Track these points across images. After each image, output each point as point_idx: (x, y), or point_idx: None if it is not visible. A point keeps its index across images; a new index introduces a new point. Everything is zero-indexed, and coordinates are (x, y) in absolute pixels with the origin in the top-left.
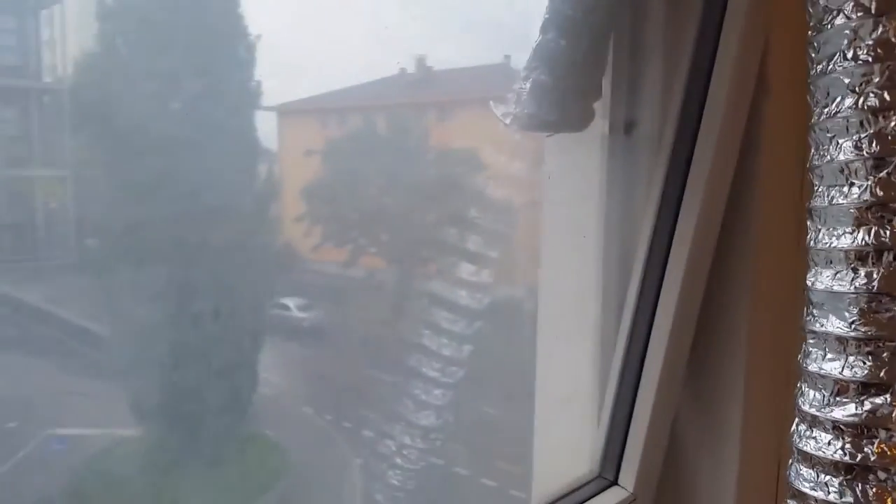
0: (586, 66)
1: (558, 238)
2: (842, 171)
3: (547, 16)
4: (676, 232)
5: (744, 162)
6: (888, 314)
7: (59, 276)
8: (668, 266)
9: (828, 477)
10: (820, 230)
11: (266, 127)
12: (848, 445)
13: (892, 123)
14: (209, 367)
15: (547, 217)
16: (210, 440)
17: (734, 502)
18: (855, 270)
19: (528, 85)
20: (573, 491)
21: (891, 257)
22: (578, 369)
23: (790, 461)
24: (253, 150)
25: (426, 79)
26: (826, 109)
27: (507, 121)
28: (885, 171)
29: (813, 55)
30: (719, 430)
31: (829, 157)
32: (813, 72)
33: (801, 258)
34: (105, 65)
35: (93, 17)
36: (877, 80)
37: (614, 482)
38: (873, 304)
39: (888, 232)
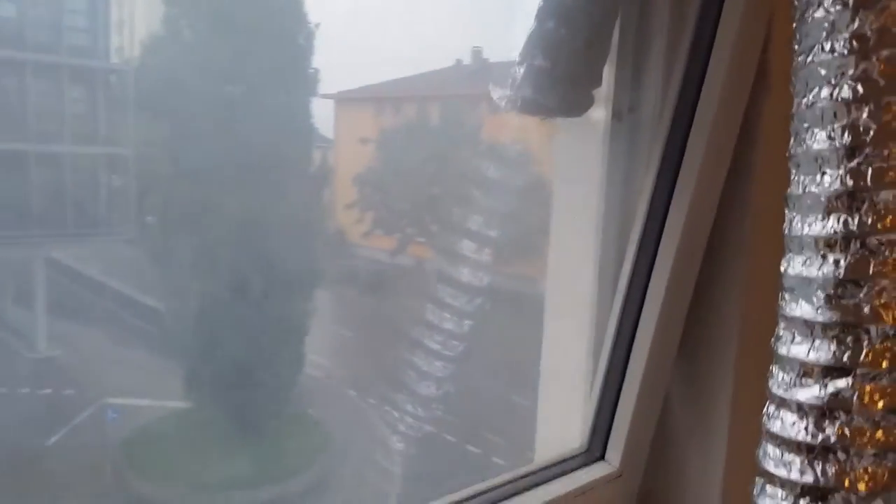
0: (587, 54)
1: (564, 220)
2: (816, 159)
3: (542, 3)
4: (668, 218)
5: (741, 151)
6: (853, 300)
7: (118, 251)
8: (659, 251)
9: (791, 456)
10: (794, 217)
11: (323, 114)
12: (811, 426)
13: (864, 115)
14: (259, 346)
15: (555, 200)
16: (256, 416)
17: (721, 483)
18: (824, 257)
19: (522, 69)
20: (559, 463)
21: (858, 245)
22: (578, 346)
23: (760, 441)
24: (309, 136)
25: (482, 70)
26: (804, 100)
27: (503, 104)
28: (856, 161)
29: (796, 47)
30: (709, 413)
31: (804, 146)
32: (795, 63)
33: None
34: (170, 48)
35: (160, 1)
36: (851, 72)
37: (601, 458)
38: (839, 291)
39: (856, 220)
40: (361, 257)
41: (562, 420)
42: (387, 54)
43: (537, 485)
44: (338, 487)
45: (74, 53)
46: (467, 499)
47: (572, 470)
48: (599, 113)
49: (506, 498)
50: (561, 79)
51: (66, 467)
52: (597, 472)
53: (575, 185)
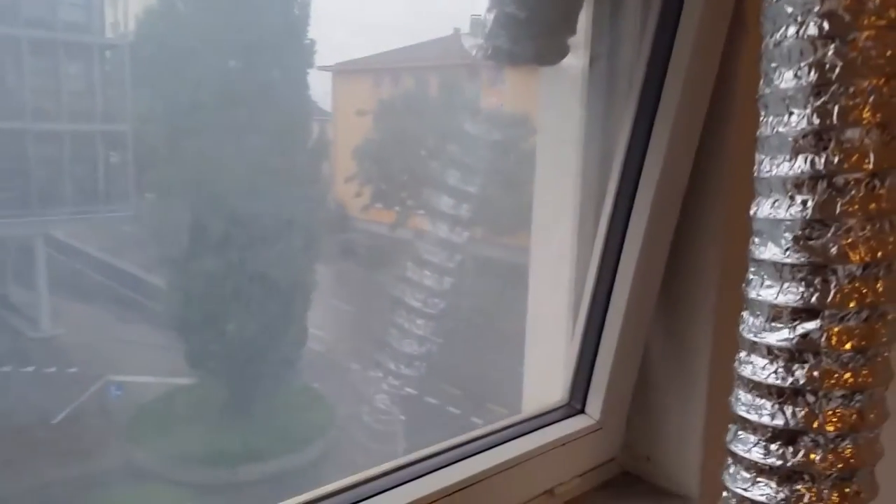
0: (560, 2)
1: (546, 175)
2: (783, 99)
3: None
4: (644, 167)
5: (718, 95)
6: (820, 240)
7: (118, 228)
8: (636, 200)
9: (762, 400)
10: (763, 160)
11: (321, 86)
12: (780, 369)
13: (830, 52)
14: (261, 321)
15: (538, 155)
16: (260, 391)
17: (702, 432)
18: (792, 198)
19: (492, 16)
20: (538, 416)
21: (825, 184)
22: (559, 301)
23: (733, 387)
24: (307, 109)
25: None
26: (772, 39)
27: (474, 52)
28: (822, 100)
29: None
30: (688, 363)
31: (772, 86)
32: (763, 3)
33: None
34: (164, 21)
35: None
36: (817, 8)
37: (581, 411)
38: (807, 231)
39: (823, 160)
40: (362, 231)
41: (546, 376)
42: (384, 24)
43: (517, 437)
44: (344, 458)
45: (70, 29)
46: (449, 449)
47: (552, 423)
48: (577, 61)
49: (486, 449)
50: (535, 27)
51: (73, 443)
52: (577, 424)
53: (555, 137)
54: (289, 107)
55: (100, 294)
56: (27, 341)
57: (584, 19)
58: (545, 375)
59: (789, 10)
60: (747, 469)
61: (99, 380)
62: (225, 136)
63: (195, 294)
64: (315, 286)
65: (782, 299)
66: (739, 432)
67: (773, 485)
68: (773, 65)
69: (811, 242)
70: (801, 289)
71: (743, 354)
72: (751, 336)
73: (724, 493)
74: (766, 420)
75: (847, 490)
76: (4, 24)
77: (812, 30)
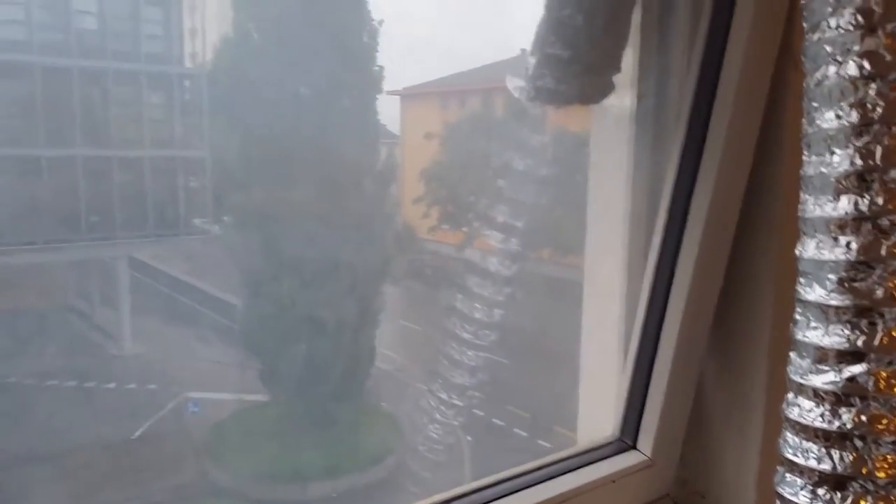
0: (605, 40)
1: (597, 208)
2: (825, 139)
3: None
4: (692, 205)
5: (767, 131)
6: (865, 283)
7: (197, 250)
8: (685, 237)
9: (808, 444)
10: (808, 199)
11: (389, 110)
12: (827, 413)
13: (871, 92)
14: (332, 341)
15: (590, 188)
16: (331, 409)
17: (757, 472)
18: (835, 239)
19: (535, 59)
20: (590, 450)
21: (869, 226)
22: (610, 335)
23: (781, 429)
24: (376, 133)
25: None
26: (813, 78)
27: (517, 94)
28: (864, 140)
29: (805, 24)
30: (743, 400)
31: (815, 126)
32: (804, 41)
33: None
34: (239, 51)
35: (229, 6)
36: (857, 48)
37: (633, 446)
38: (851, 273)
39: (867, 201)
40: (429, 252)
41: (600, 407)
42: (450, 48)
43: (570, 471)
44: (412, 477)
45: (151, 60)
46: (504, 480)
47: (604, 458)
48: (625, 99)
49: (538, 483)
50: (579, 66)
51: (151, 459)
52: (629, 460)
53: (604, 173)
54: (359, 132)
55: (179, 313)
56: (110, 359)
57: (629, 57)
58: (599, 406)
59: (829, 49)
60: None
61: (177, 396)
62: (297, 161)
63: (269, 314)
64: (383, 307)
65: (828, 341)
66: (787, 475)
67: None
68: (815, 104)
69: (856, 284)
70: (847, 331)
71: (791, 396)
72: (797, 378)
73: None
74: (812, 464)
75: None
76: (92, 57)
77: (852, 69)
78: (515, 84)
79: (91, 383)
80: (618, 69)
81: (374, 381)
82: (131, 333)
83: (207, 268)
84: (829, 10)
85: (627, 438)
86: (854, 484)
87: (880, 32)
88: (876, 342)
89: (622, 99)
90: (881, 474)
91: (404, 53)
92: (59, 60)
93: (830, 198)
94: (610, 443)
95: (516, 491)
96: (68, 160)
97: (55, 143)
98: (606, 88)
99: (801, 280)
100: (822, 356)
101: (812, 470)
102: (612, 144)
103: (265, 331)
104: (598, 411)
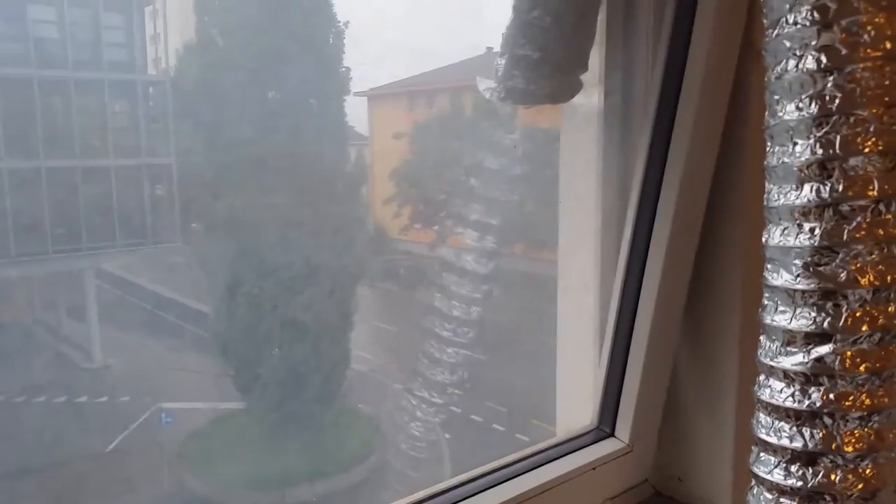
0: (573, 40)
1: (569, 204)
2: (787, 131)
3: None
4: (661, 197)
5: (732, 123)
6: (830, 266)
7: (166, 259)
8: (655, 227)
9: (780, 423)
10: (772, 189)
11: (357, 112)
12: (797, 393)
13: (829, 84)
14: (306, 345)
15: (561, 184)
16: (307, 413)
17: (732, 455)
18: (800, 226)
19: (504, 60)
20: (569, 440)
21: (831, 212)
22: (585, 326)
23: (754, 410)
24: (344, 135)
25: None
26: (774, 72)
27: (488, 95)
28: (824, 130)
29: (765, 21)
30: (717, 388)
31: (777, 118)
32: (766, 37)
33: None
34: (204, 57)
35: (191, 11)
36: (814, 42)
37: (611, 434)
38: (816, 257)
39: (828, 188)
40: (402, 252)
41: (578, 397)
42: (417, 47)
43: (549, 461)
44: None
45: (114, 68)
46: (485, 474)
47: (583, 447)
48: (593, 96)
49: (519, 475)
50: (549, 66)
51: (126, 472)
52: (607, 447)
53: (575, 168)
54: (327, 134)
55: (149, 324)
56: (80, 372)
57: (596, 54)
58: (577, 396)
59: (788, 44)
60: (769, 490)
61: (150, 408)
62: (265, 165)
63: (241, 320)
64: (356, 308)
65: (795, 324)
66: (761, 454)
67: None
68: (777, 97)
69: (820, 269)
70: (814, 314)
71: (762, 378)
72: (767, 360)
73: None
74: (785, 442)
75: None
76: (53, 67)
77: (811, 63)
78: (486, 85)
79: (61, 398)
80: (585, 68)
81: (351, 383)
82: (101, 345)
83: (177, 277)
84: (787, 6)
85: (605, 427)
86: (824, 459)
87: (836, 28)
88: (841, 323)
89: (590, 96)
90: (849, 448)
91: (369, 54)
92: (19, 71)
93: (794, 186)
94: (589, 431)
95: (499, 483)
96: (32, 172)
97: (17, 154)
98: (575, 87)
99: (768, 266)
100: (790, 339)
101: (785, 448)
102: (582, 141)
103: (238, 338)
104: (575, 403)
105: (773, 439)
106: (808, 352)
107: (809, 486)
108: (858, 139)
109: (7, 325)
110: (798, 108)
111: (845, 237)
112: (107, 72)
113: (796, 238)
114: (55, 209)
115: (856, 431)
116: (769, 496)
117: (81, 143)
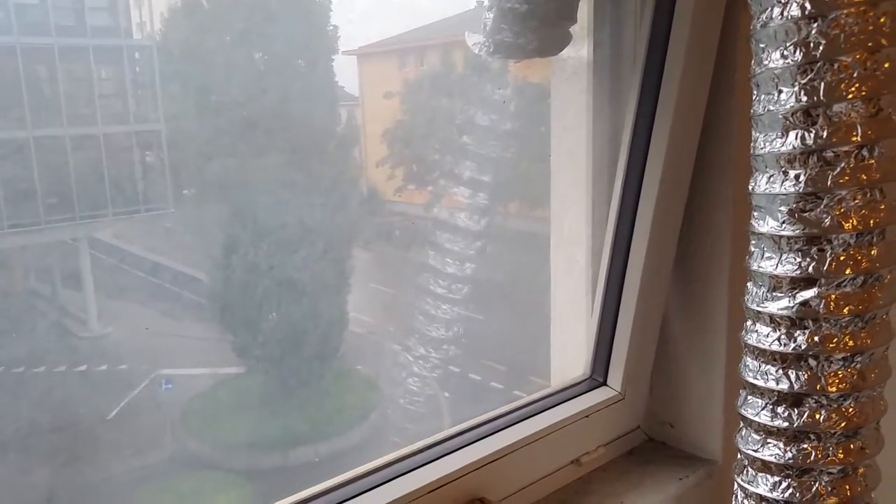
0: None
1: (560, 158)
2: (772, 79)
3: None
4: (650, 149)
5: (721, 72)
6: (814, 212)
7: (159, 226)
8: (645, 180)
9: (767, 366)
10: (758, 137)
11: (346, 71)
12: (783, 336)
13: (813, 31)
14: (304, 308)
15: (552, 140)
16: (307, 376)
17: (723, 399)
18: (785, 173)
19: (492, 14)
20: (563, 389)
21: (815, 159)
22: (578, 277)
23: (742, 355)
24: (334, 95)
25: None
26: (759, 20)
27: (477, 50)
28: (808, 77)
29: None
30: (706, 334)
31: (762, 66)
32: None
33: None
34: (189, 18)
35: None
36: None
37: (603, 383)
38: (801, 204)
39: (812, 135)
40: (397, 213)
41: (572, 349)
42: (406, 3)
43: (543, 411)
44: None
45: (98, 34)
46: (480, 424)
47: (577, 396)
48: (582, 49)
49: (513, 424)
50: (535, 19)
51: (129, 438)
52: (600, 396)
53: (565, 122)
54: (317, 94)
55: (145, 291)
56: (77, 341)
57: (584, 6)
58: (570, 349)
59: None
60: (757, 431)
61: (149, 375)
62: (256, 128)
63: (237, 285)
64: (353, 271)
65: (781, 270)
66: (749, 397)
67: (782, 445)
68: (762, 45)
69: (805, 214)
70: (799, 259)
71: (749, 323)
72: (754, 306)
73: (738, 456)
74: (771, 384)
75: (852, 446)
76: (35, 34)
77: (795, 11)
78: (474, 40)
79: (61, 367)
80: (574, 20)
81: (349, 344)
82: (98, 314)
83: (171, 243)
84: None
85: (598, 376)
86: (809, 400)
87: None
88: (825, 267)
89: (579, 49)
90: (833, 389)
91: (358, 12)
92: (1, 39)
93: (779, 134)
94: (582, 381)
95: (495, 432)
96: (19, 142)
97: (5, 124)
98: (564, 40)
99: (755, 214)
100: (776, 284)
101: (771, 390)
102: (572, 95)
103: (234, 302)
104: (569, 355)
105: (759, 382)
106: (794, 296)
107: (795, 426)
108: (842, 85)
109: (3, 296)
110: (783, 56)
111: (829, 183)
112: (91, 38)
113: (781, 185)
114: (46, 179)
115: (839, 372)
116: (756, 437)
117: (69, 112)
